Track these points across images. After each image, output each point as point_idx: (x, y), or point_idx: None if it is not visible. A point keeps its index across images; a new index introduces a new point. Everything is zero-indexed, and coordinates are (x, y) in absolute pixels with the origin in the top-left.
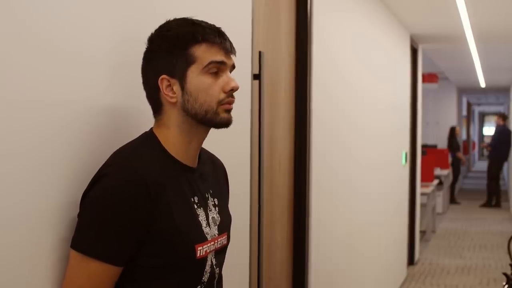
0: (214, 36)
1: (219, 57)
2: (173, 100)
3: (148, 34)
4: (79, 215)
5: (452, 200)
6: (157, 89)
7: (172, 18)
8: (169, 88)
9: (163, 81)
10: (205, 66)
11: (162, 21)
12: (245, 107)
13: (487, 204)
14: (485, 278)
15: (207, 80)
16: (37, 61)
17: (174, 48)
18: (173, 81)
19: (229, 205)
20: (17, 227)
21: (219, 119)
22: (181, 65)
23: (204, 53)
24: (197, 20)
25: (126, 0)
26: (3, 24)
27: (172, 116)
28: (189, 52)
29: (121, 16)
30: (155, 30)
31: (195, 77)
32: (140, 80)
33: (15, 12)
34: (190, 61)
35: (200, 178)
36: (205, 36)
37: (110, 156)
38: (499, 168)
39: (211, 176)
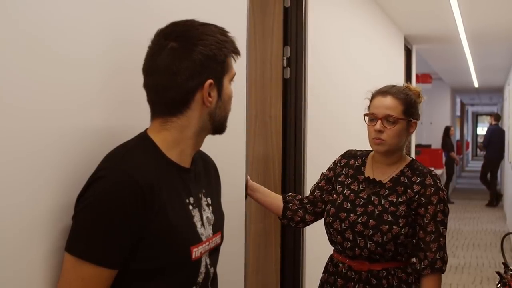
0: (238, 49)
1: (234, 70)
2: (209, 104)
3: (144, 36)
4: (73, 218)
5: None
6: (195, 90)
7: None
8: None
9: (211, 85)
10: (232, 77)
11: (158, 24)
12: (241, 108)
13: (491, 203)
14: (479, 276)
15: (232, 90)
16: (32, 64)
17: (222, 55)
18: (213, 86)
19: (225, 204)
20: (13, 229)
21: (226, 126)
22: (221, 72)
23: (232, 64)
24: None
25: (121, 2)
26: None
27: (195, 118)
28: (227, 61)
29: (116, 18)
30: (184, 29)
31: (227, 86)
32: (136, 82)
33: (9, 12)
34: (226, 69)
35: (194, 178)
36: (237, 48)
37: (104, 158)
38: (494, 166)
39: (203, 175)
